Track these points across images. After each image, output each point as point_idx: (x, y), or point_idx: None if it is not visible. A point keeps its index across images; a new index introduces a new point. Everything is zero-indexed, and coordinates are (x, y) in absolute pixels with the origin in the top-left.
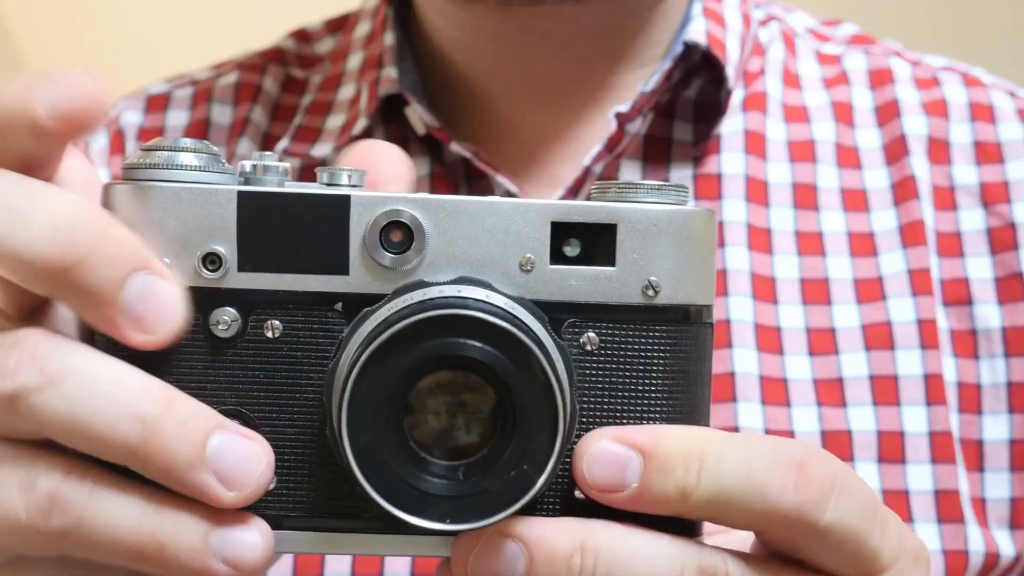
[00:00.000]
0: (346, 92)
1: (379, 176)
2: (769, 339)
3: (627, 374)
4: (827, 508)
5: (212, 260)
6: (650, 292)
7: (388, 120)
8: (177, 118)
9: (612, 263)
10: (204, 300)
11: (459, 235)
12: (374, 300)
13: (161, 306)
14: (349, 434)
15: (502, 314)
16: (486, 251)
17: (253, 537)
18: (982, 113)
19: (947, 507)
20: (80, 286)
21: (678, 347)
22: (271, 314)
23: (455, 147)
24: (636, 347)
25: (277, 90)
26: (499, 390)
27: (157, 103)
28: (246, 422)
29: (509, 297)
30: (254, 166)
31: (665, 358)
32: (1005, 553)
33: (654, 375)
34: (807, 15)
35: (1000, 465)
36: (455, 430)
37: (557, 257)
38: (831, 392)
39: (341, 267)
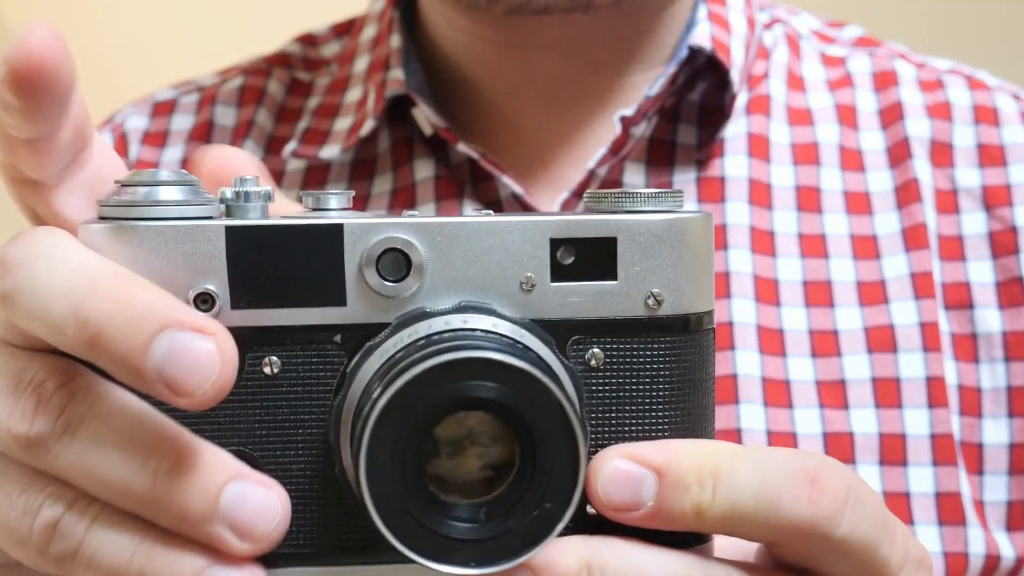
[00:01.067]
0: (353, 95)
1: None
2: (771, 341)
3: (633, 387)
4: (841, 521)
5: (204, 300)
6: (652, 303)
7: (393, 122)
8: (182, 122)
9: (614, 277)
10: None
11: (457, 258)
12: (374, 330)
13: (194, 364)
14: (369, 485)
15: (514, 350)
16: (486, 272)
17: None
18: (986, 116)
19: (948, 509)
20: (107, 357)
21: (682, 356)
22: (269, 350)
23: (462, 147)
24: (641, 360)
25: (282, 93)
26: (517, 429)
27: (163, 109)
28: (251, 462)
29: (514, 322)
30: (236, 193)
31: (670, 369)
32: (1006, 555)
33: (660, 386)
34: (812, 17)
35: (999, 468)
36: (475, 471)
37: (558, 274)
38: (833, 394)
39: (338, 298)
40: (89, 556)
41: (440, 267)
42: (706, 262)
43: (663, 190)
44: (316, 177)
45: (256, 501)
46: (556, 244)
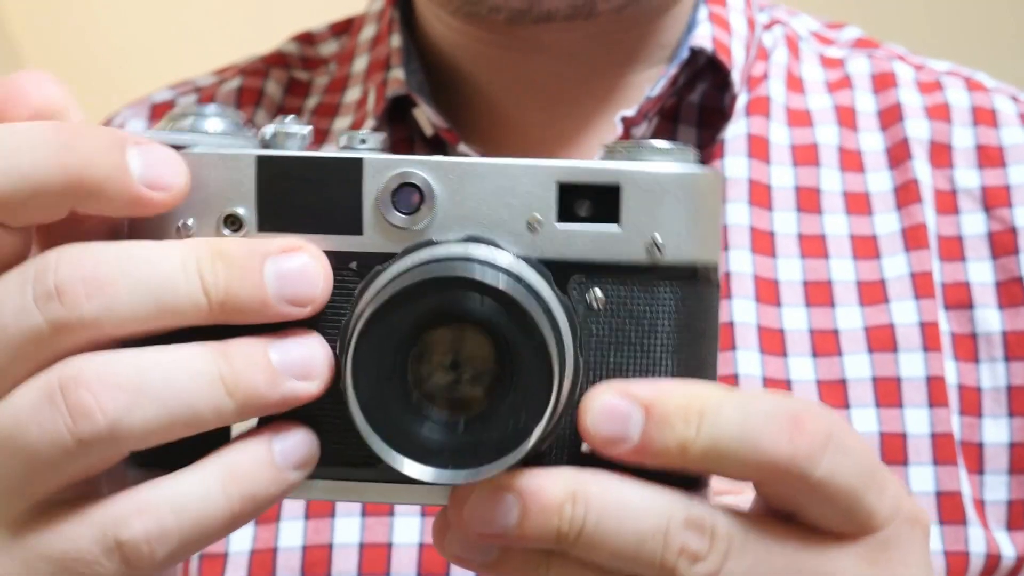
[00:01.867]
0: (352, 94)
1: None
2: (772, 341)
3: (633, 331)
4: (820, 462)
5: (233, 221)
6: (655, 251)
7: (394, 122)
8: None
9: (617, 222)
10: None
11: (468, 196)
12: (387, 259)
13: (301, 276)
14: (354, 385)
15: (505, 272)
16: (494, 211)
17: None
18: (985, 117)
19: (948, 508)
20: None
21: (683, 305)
22: None
23: (463, 148)
24: (641, 304)
25: (280, 93)
26: (498, 346)
27: (161, 110)
28: None
29: (515, 256)
30: (275, 132)
31: (670, 315)
32: (1006, 555)
33: (660, 332)
34: (811, 18)
35: (999, 468)
36: (458, 384)
37: (564, 216)
38: (834, 393)
39: (355, 227)
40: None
41: (451, 203)
42: (712, 216)
43: (675, 144)
44: None
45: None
46: (564, 188)
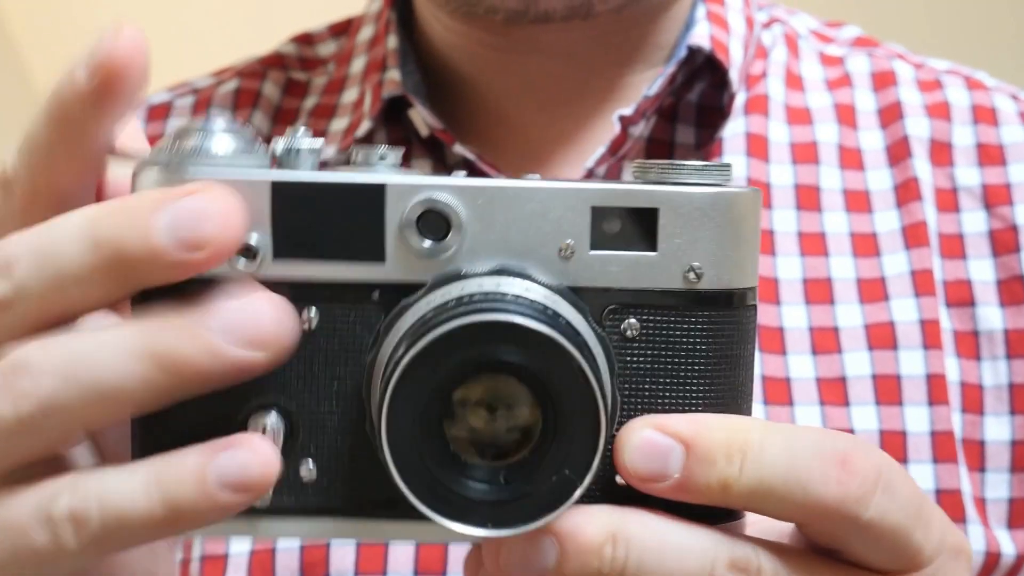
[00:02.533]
0: (349, 95)
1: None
2: (772, 339)
3: (669, 360)
4: (870, 504)
5: (247, 250)
6: (692, 277)
7: (391, 123)
8: (178, 124)
9: (653, 248)
10: None
11: (497, 221)
12: (411, 288)
13: (199, 224)
14: (389, 440)
15: (542, 316)
16: (525, 238)
17: (251, 452)
18: (985, 116)
19: (948, 507)
20: (132, 265)
21: (721, 332)
22: (307, 304)
23: (458, 148)
24: (678, 333)
25: (278, 94)
26: (540, 395)
27: (158, 112)
28: (283, 413)
29: (549, 288)
30: (287, 148)
31: (708, 343)
32: (1006, 553)
33: (696, 361)
34: (810, 17)
35: (1001, 466)
36: (495, 434)
37: (597, 243)
38: (834, 391)
39: (377, 255)
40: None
41: (480, 229)
42: (751, 238)
43: (710, 163)
44: None
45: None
46: (597, 212)
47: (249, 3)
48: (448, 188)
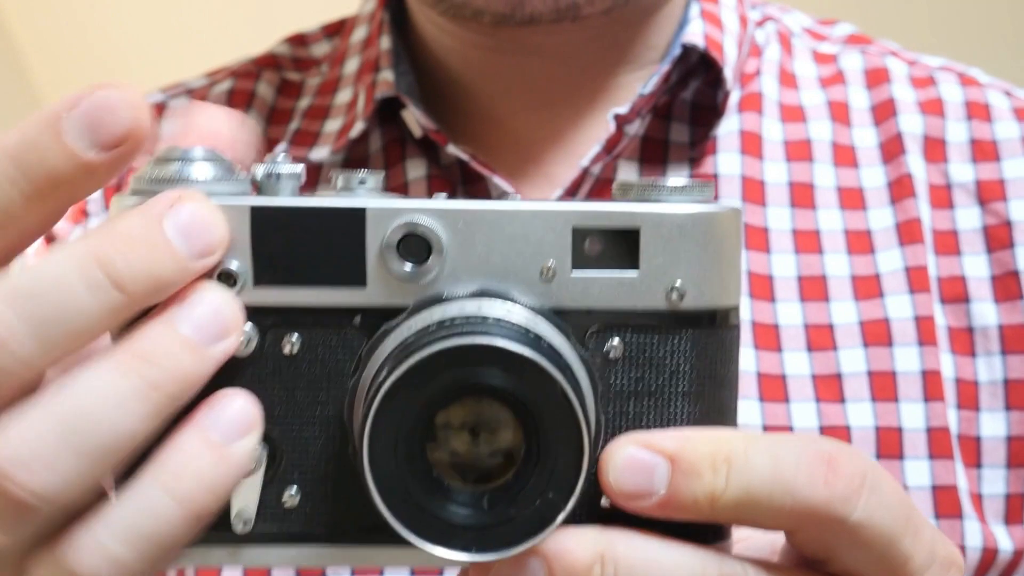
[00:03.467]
0: (343, 96)
1: (201, 134)
2: (767, 337)
3: (652, 380)
4: (857, 504)
5: (227, 277)
6: (674, 296)
7: (385, 123)
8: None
9: (635, 267)
10: None
11: (478, 244)
12: (393, 313)
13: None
14: (371, 464)
15: (524, 339)
16: (506, 260)
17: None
18: (978, 112)
19: (944, 503)
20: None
21: (704, 351)
22: (288, 329)
23: (452, 149)
24: (661, 353)
25: (272, 95)
26: (523, 418)
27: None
28: (265, 439)
29: (531, 309)
30: (267, 173)
31: (691, 363)
32: (1003, 548)
33: (680, 380)
34: (803, 15)
35: (997, 461)
36: (478, 458)
37: (579, 263)
38: (829, 388)
39: (358, 279)
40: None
41: (461, 253)
42: (732, 256)
43: (691, 182)
44: (307, 178)
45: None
46: (578, 233)
47: (245, 3)
48: (428, 211)
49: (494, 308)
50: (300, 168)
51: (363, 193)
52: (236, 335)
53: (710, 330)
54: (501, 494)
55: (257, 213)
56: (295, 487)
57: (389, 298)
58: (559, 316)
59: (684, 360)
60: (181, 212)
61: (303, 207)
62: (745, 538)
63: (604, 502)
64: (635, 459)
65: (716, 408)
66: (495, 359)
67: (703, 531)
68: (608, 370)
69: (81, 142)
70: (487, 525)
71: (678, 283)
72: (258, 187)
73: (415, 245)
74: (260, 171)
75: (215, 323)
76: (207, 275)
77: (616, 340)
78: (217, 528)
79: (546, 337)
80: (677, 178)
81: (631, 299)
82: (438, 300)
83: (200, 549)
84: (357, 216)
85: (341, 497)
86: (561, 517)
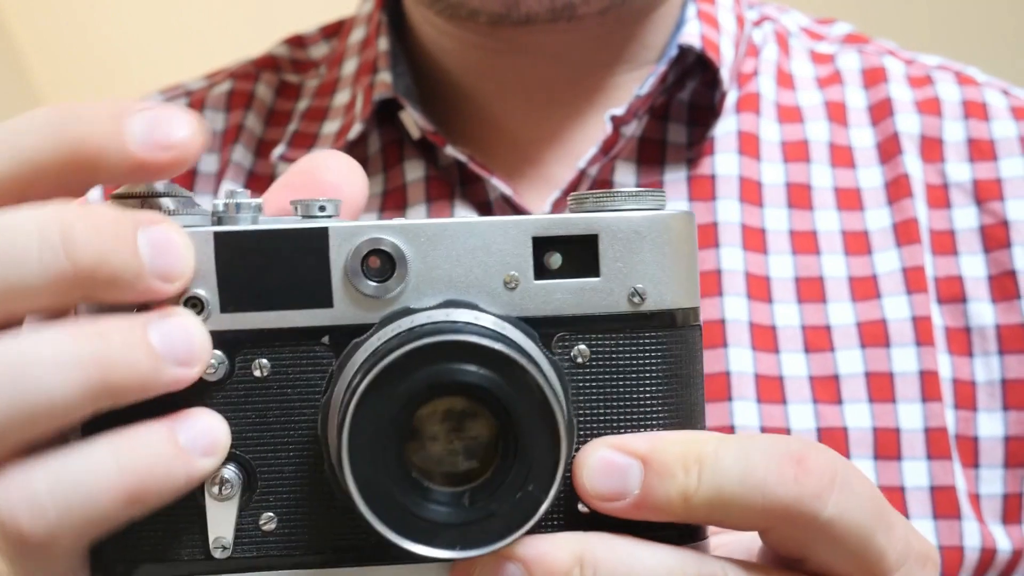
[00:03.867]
0: (341, 97)
1: (323, 188)
2: (764, 338)
3: (620, 383)
4: (828, 501)
5: (194, 303)
6: (636, 299)
7: (383, 124)
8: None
9: (596, 273)
10: None
11: (441, 258)
12: (361, 331)
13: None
14: (352, 468)
15: (494, 335)
16: (469, 272)
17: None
18: (975, 111)
19: (943, 503)
20: (105, 283)
21: (669, 352)
22: (258, 353)
23: (450, 150)
24: (627, 356)
25: (271, 96)
26: (498, 413)
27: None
28: (240, 464)
29: (497, 316)
30: (226, 204)
31: (657, 364)
32: (1002, 548)
33: (647, 382)
34: (801, 14)
35: (994, 462)
36: (456, 456)
37: (541, 272)
38: (827, 389)
39: (325, 300)
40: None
41: (424, 267)
42: (689, 259)
43: (645, 189)
44: None
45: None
46: (539, 243)
47: (244, 4)
48: (390, 228)
49: (462, 315)
50: (259, 200)
51: (324, 220)
52: (199, 368)
53: (673, 330)
54: (481, 490)
55: (221, 239)
56: (272, 511)
57: (356, 316)
58: (525, 323)
59: (650, 361)
60: (156, 230)
61: (266, 230)
62: (725, 543)
63: (582, 507)
64: (608, 462)
65: (685, 407)
66: (467, 354)
67: (679, 534)
68: (576, 375)
69: (138, 133)
70: (470, 522)
71: (639, 286)
72: (218, 220)
73: (379, 262)
74: (219, 205)
75: (183, 345)
76: (174, 302)
77: (583, 345)
78: (196, 555)
79: (514, 339)
80: (629, 188)
81: (594, 304)
82: (406, 312)
83: None
84: (320, 236)
85: (319, 519)
86: (543, 509)
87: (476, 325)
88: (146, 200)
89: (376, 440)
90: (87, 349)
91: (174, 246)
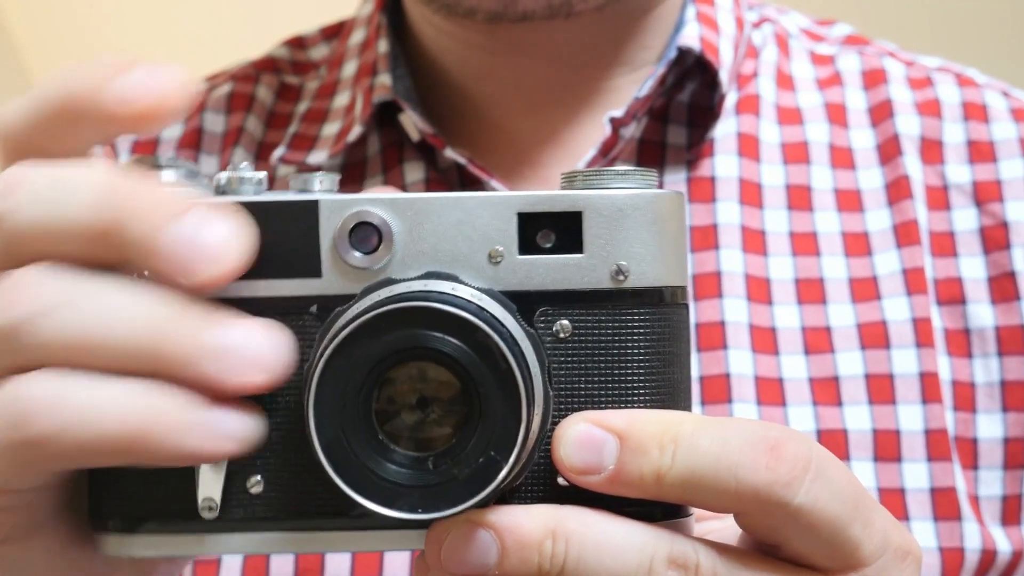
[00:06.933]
0: (341, 100)
1: None
2: (764, 340)
3: (602, 359)
4: (799, 489)
5: None
6: (620, 277)
7: (383, 127)
8: (171, 130)
9: (580, 250)
10: None
11: (427, 232)
12: (347, 300)
13: (201, 248)
14: (317, 427)
15: (461, 303)
16: (454, 246)
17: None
18: (975, 113)
19: (943, 505)
20: (126, 245)
21: (652, 329)
22: None
23: (449, 153)
24: (609, 332)
25: (271, 98)
26: (462, 378)
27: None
28: None
29: (477, 289)
30: (229, 178)
31: (639, 341)
32: (1002, 550)
33: (630, 358)
34: (801, 16)
35: (994, 463)
36: (424, 421)
37: (526, 248)
38: (827, 391)
39: (313, 270)
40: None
41: (410, 240)
42: (676, 238)
43: (635, 168)
44: None
45: (252, 341)
46: (524, 218)
47: (243, 6)
48: (378, 202)
49: (440, 286)
50: (262, 174)
51: (318, 192)
52: (261, 379)
53: (656, 308)
54: (444, 455)
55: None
56: (259, 475)
57: (343, 287)
58: (507, 297)
59: (632, 338)
60: (210, 223)
61: (257, 201)
62: (714, 530)
63: (561, 481)
64: (586, 435)
65: (667, 385)
66: (433, 321)
67: (664, 510)
68: (558, 350)
69: (126, 85)
70: (431, 485)
71: (622, 263)
72: (222, 193)
73: (366, 234)
74: (223, 177)
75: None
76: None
77: (565, 321)
78: (185, 515)
79: (488, 309)
80: (620, 166)
81: (577, 280)
82: (387, 283)
83: (168, 537)
84: (311, 208)
85: (304, 483)
86: (502, 474)
87: (449, 295)
88: (150, 170)
89: (343, 402)
90: (155, 322)
91: (213, 246)
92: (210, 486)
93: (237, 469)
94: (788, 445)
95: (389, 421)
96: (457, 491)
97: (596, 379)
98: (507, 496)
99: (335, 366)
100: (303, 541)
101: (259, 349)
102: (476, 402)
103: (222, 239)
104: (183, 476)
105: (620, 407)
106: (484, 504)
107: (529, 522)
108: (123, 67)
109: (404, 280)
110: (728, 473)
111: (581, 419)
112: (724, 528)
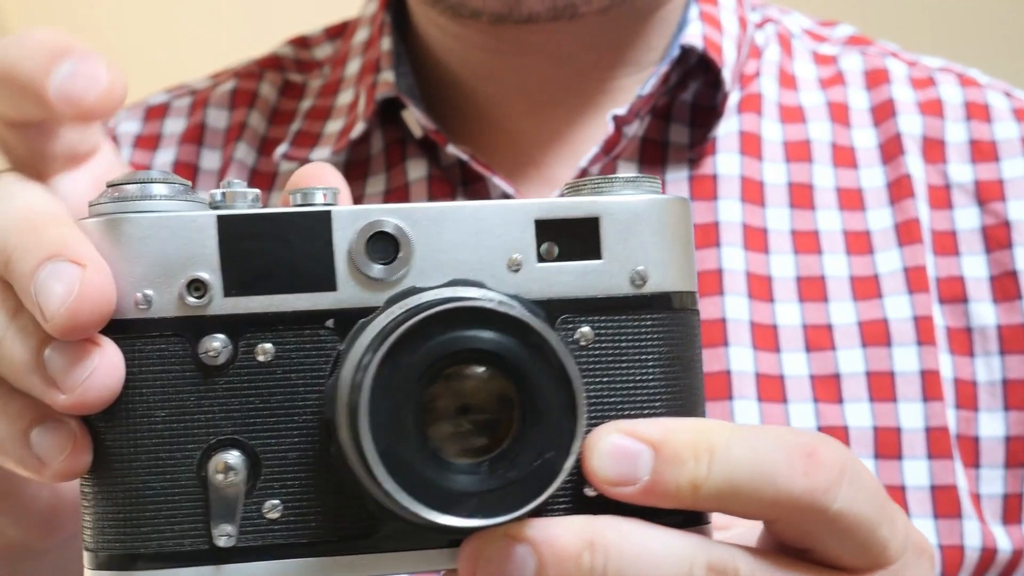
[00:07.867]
0: (345, 97)
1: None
2: (765, 337)
3: (624, 366)
4: (838, 495)
5: (196, 287)
6: (638, 281)
7: (386, 124)
8: (174, 125)
9: (598, 256)
10: (192, 328)
11: (445, 241)
12: (365, 313)
13: (60, 295)
14: (374, 437)
15: (508, 303)
16: (473, 254)
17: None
18: (978, 112)
19: (943, 502)
20: (11, 277)
21: (670, 334)
22: (261, 337)
23: (452, 149)
24: (629, 338)
25: (275, 95)
26: (515, 380)
27: (155, 112)
28: (244, 450)
29: (504, 294)
30: (223, 193)
31: (659, 346)
32: (1002, 548)
33: (650, 364)
34: (803, 16)
35: (995, 462)
36: (477, 424)
37: (544, 255)
38: (828, 388)
39: (328, 283)
40: None
41: (428, 250)
42: (686, 244)
43: (640, 175)
44: None
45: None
46: (541, 225)
47: (247, 5)
48: (394, 211)
49: (470, 292)
50: (256, 192)
51: (325, 206)
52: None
53: (674, 313)
54: (500, 459)
55: (224, 222)
56: (277, 499)
57: (361, 299)
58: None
59: (652, 343)
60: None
61: (269, 213)
62: (730, 536)
63: (588, 491)
64: (619, 447)
65: (687, 391)
66: (483, 320)
67: (683, 519)
68: (580, 357)
69: (60, 78)
70: (489, 490)
71: (640, 268)
72: (217, 209)
73: (383, 245)
74: (217, 194)
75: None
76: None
77: (586, 328)
78: (201, 544)
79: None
80: (626, 173)
81: (597, 286)
82: (412, 292)
83: (184, 570)
84: (323, 219)
85: (326, 505)
86: (562, 476)
87: (492, 298)
88: (143, 185)
89: (395, 410)
90: None
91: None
92: (225, 513)
93: (253, 493)
94: (823, 450)
95: (440, 426)
96: (515, 495)
97: (618, 386)
98: (537, 508)
99: (385, 374)
100: (326, 567)
101: (87, 374)
102: (530, 403)
103: (65, 293)
104: (196, 503)
105: (643, 415)
106: (537, 511)
107: (566, 534)
108: (59, 52)
109: (430, 288)
110: (765, 481)
111: (613, 429)
112: (743, 533)
